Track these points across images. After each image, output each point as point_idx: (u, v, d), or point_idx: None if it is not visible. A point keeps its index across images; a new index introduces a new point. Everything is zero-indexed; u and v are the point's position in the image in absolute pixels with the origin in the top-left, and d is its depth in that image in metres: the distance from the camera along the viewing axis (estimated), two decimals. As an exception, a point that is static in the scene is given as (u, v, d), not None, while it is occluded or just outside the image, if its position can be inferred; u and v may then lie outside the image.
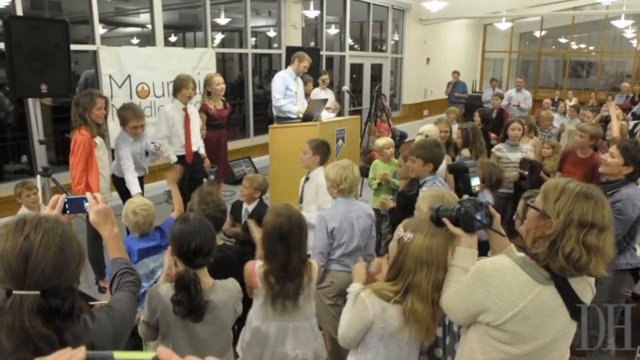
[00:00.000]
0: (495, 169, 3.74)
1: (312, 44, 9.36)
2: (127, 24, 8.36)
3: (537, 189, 1.67)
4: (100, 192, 2.89)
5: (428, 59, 12.48)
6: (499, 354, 1.55)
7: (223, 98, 4.96)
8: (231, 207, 3.76)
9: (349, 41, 10.06)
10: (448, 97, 11.02)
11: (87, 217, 1.65)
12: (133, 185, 3.79)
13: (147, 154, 4.23)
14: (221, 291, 1.98)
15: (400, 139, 7.83)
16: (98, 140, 3.68)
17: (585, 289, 1.54)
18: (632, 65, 14.50)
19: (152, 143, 4.34)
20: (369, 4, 10.38)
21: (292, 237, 2.17)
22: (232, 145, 6.05)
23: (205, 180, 4.93)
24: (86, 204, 1.64)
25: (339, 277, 2.78)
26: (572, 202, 1.45)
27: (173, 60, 6.09)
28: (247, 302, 2.24)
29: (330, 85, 7.56)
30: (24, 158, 5.65)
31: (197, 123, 4.65)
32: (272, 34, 9.09)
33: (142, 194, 4.18)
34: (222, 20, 8.46)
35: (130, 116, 3.79)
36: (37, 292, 1.19)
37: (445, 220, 1.78)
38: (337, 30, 10.27)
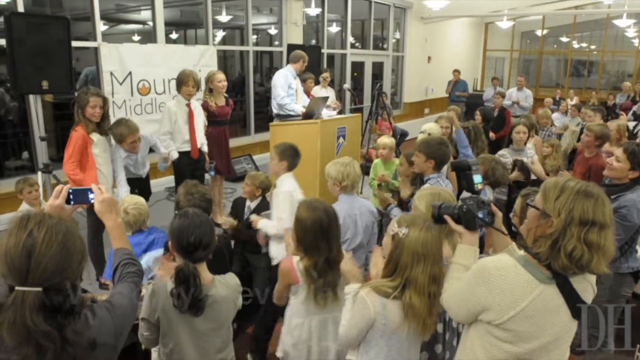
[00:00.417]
0: (497, 165, 3.73)
1: (314, 41, 9.34)
2: (129, 21, 8.34)
3: (533, 187, 1.67)
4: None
5: (429, 58, 12.45)
6: (500, 353, 1.55)
7: (225, 95, 4.96)
8: (233, 204, 3.78)
9: (350, 39, 10.04)
10: (449, 96, 11.01)
11: (88, 213, 1.65)
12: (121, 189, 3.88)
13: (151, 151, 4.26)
14: (221, 286, 1.99)
15: (401, 137, 7.82)
16: (95, 137, 3.68)
17: (586, 288, 1.54)
18: (634, 65, 14.44)
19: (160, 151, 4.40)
20: (370, 2, 10.35)
21: (332, 229, 2.22)
22: (233, 142, 6.03)
23: (207, 177, 4.93)
24: (91, 195, 1.63)
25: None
26: (572, 200, 1.45)
27: (174, 58, 6.08)
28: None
29: (331, 83, 7.55)
30: (25, 154, 5.65)
31: (201, 119, 4.65)
32: (273, 31, 9.07)
33: (149, 192, 4.22)
34: (224, 18, 8.45)
35: (126, 132, 3.79)
36: (39, 289, 1.19)
37: (447, 218, 1.78)
38: (338, 28, 10.26)
